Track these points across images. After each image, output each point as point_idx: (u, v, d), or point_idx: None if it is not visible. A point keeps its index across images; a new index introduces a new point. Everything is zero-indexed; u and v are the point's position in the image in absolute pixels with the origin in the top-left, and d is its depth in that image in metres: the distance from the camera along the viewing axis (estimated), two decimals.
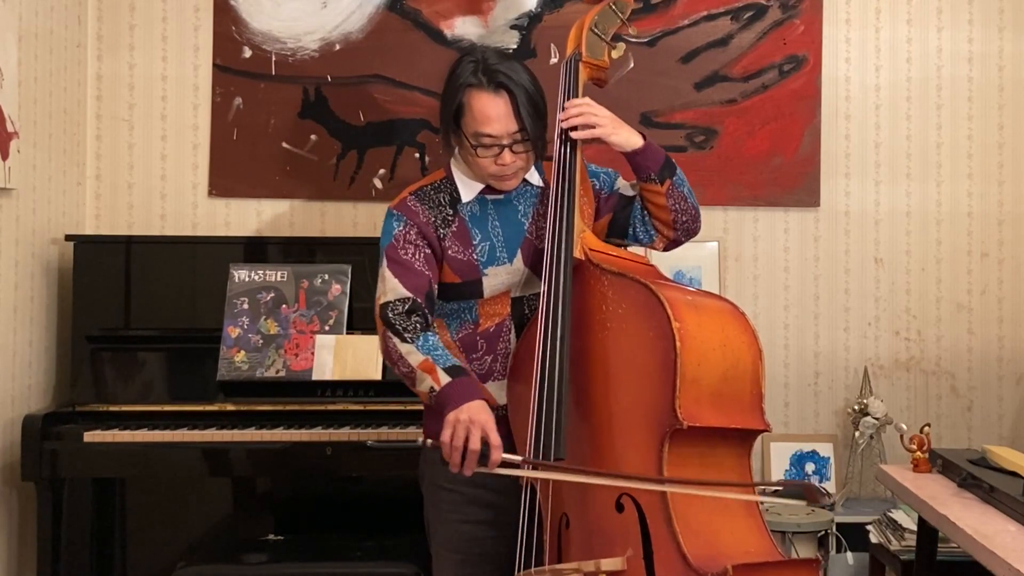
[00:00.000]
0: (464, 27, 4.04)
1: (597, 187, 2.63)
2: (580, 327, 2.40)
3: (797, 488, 2.27)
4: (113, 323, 3.66)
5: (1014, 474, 2.70)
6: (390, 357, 2.48)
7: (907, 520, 3.31)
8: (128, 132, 4.03)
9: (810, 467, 4.00)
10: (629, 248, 2.64)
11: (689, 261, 4.00)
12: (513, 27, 4.04)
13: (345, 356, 3.51)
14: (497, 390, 2.54)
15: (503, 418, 2.54)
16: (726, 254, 4.09)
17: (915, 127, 4.10)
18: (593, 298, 2.40)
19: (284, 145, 4.03)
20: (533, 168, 2.59)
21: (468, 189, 2.58)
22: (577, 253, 2.43)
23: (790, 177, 4.06)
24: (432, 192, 2.59)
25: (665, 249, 2.65)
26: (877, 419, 3.89)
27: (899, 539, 3.30)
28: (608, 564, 2.24)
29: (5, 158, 3.39)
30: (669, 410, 2.22)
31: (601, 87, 2.68)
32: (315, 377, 3.50)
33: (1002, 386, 4.10)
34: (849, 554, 3.76)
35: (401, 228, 2.54)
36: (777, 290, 4.11)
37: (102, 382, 3.55)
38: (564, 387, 2.33)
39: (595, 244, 2.48)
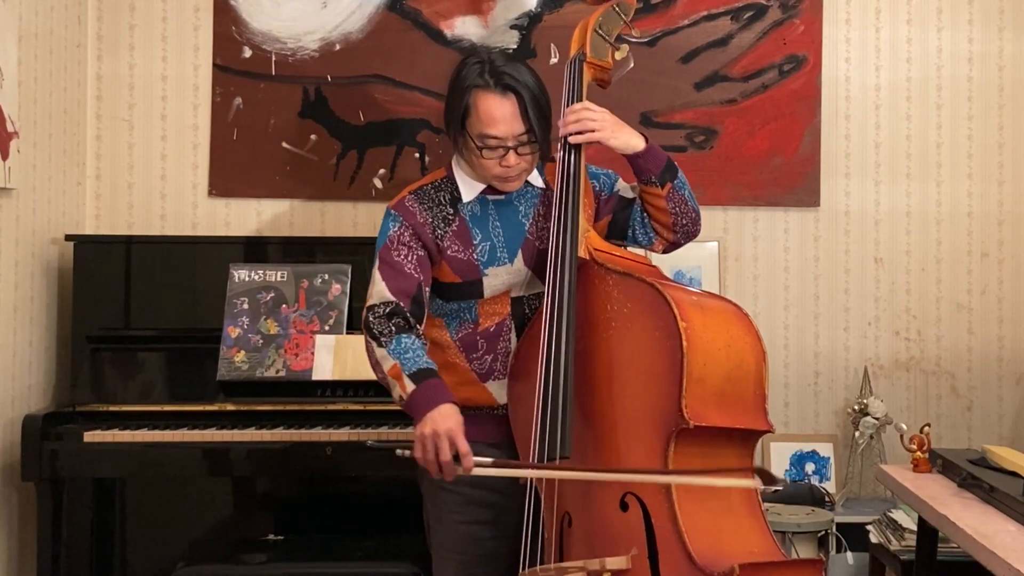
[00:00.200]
0: (464, 27, 4.04)
1: (597, 188, 2.63)
2: (584, 326, 2.40)
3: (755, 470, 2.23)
4: (113, 323, 3.66)
5: (1014, 474, 2.70)
6: (370, 363, 2.50)
7: (907, 520, 3.31)
8: (128, 132, 4.03)
9: (810, 467, 4.00)
10: (628, 249, 2.65)
11: (689, 261, 4.00)
12: (513, 27, 4.04)
13: (345, 356, 3.51)
14: (498, 389, 2.55)
15: (503, 417, 2.54)
16: (726, 254, 4.09)
17: (915, 127, 4.11)
18: (598, 297, 2.40)
19: (284, 145, 4.03)
20: (535, 169, 2.59)
21: (469, 189, 2.58)
22: (581, 252, 2.43)
23: (790, 177, 4.06)
24: (432, 191, 2.59)
25: (664, 251, 2.65)
26: (877, 419, 3.89)
27: (899, 539, 3.30)
28: (613, 563, 2.25)
29: (5, 158, 3.38)
30: (675, 410, 2.23)
31: (604, 88, 2.69)
32: (315, 377, 3.49)
33: (1002, 386, 4.11)
34: (849, 554, 3.76)
35: (396, 229, 2.54)
36: (777, 290, 4.11)
37: (102, 382, 3.55)
38: (569, 386, 2.33)
39: (599, 244, 2.48)
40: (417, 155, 4.03)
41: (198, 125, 4.03)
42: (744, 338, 2.35)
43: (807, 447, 4.03)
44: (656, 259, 2.72)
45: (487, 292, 2.56)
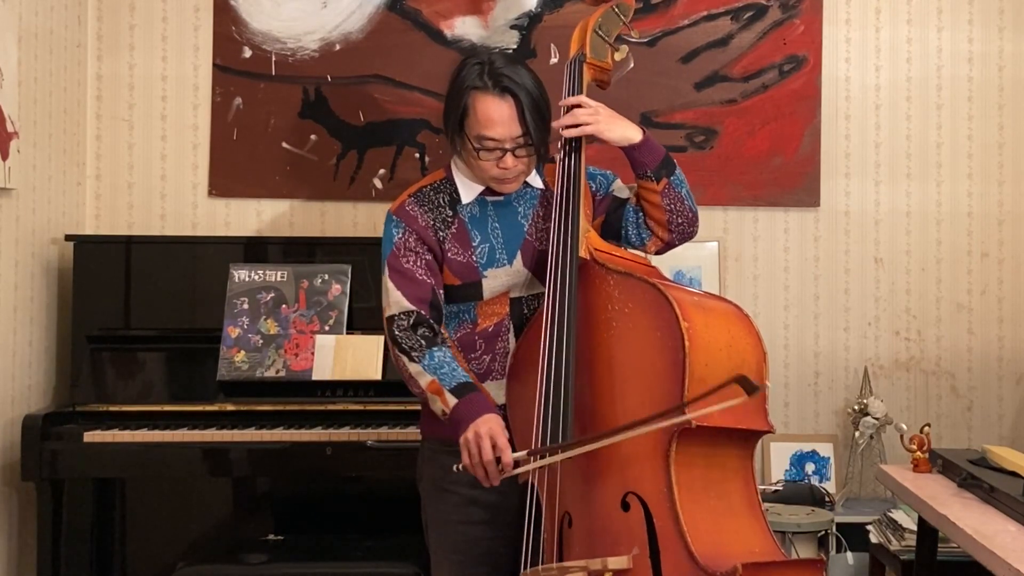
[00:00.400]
0: (464, 27, 4.04)
1: (593, 189, 2.63)
2: (585, 326, 2.40)
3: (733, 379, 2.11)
4: (113, 323, 3.66)
5: (1014, 474, 2.71)
6: (402, 375, 2.50)
7: (907, 520, 3.31)
8: (128, 132, 4.03)
9: (810, 467, 4.00)
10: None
11: (689, 261, 4.00)
12: (513, 27, 4.04)
13: (345, 356, 3.51)
14: (496, 389, 2.54)
15: (503, 417, 2.54)
16: (726, 254, 4.09)
17: (915, 127, 4.11)
18: (598, 297, 2.40)
19: (284, 145, 4.03)
20: (534, 170, 2.59)
21: (468, 190, 2.58)
22: (582, 252, 2.43)
23: (790, 177, 4.06)
24: (431, 193, 2.59)
25: (658, 252, 2.64)
26: (877, 419, 3.89)
27: (899, 539, 3.30)
28: (615, 563, 2.24)
29: (5, 158, 3.38)
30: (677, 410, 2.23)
31: (604, 88, 2.69)
32: (315, 377, 3.50)
33: (1002, 386, 4.11)
34: (849, 554, 3.76)
35: (400, 235, 2.54)
36: (777, 290, 4.11)
37: (102, 382, 3.55)
38: (570, 385, 2.33)
39: (600, 244, 2.48)
40: (417, 155, 4.03)
41: (198, 125, 4.03)
42: (745, 339, 2.35)
43: (807, 447, 4.03)
44: (655, 259, 2.71)
45: (486, 294, 2.55)
